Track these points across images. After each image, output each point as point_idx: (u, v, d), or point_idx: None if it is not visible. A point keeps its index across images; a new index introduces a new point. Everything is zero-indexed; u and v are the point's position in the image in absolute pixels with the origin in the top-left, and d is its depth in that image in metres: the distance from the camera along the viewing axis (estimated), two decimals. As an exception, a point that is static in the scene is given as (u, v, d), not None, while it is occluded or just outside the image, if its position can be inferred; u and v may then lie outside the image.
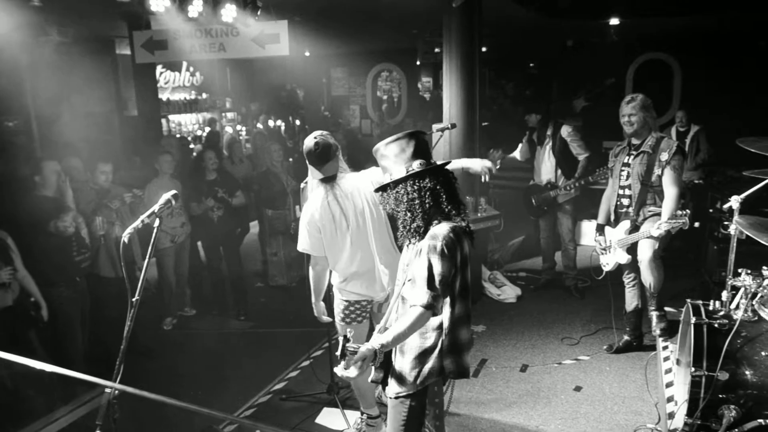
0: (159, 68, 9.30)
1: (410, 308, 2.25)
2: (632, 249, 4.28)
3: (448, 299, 2.34)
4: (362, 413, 3.63)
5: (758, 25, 7.73)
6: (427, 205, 2.31)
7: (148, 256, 2.54)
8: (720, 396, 2.93)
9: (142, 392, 2.02)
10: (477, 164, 3.27)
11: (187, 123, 10.34)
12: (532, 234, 6.86)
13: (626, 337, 4.60)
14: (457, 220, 2.35)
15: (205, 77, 10.75)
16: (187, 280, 5.76)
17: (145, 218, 2.51)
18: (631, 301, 4.55)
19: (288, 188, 6.09)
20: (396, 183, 2.36)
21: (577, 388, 4.12)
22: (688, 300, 3.38)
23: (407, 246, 2.45)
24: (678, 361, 3.65)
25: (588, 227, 6.97)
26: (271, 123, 10.98)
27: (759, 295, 3.04)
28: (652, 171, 4.12)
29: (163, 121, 9.36)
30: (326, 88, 12.50)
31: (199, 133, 10.30)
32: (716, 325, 3.06)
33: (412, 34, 9.24)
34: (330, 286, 3.45)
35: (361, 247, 3.22)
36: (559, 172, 5.68)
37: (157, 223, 2.55)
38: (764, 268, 3.08)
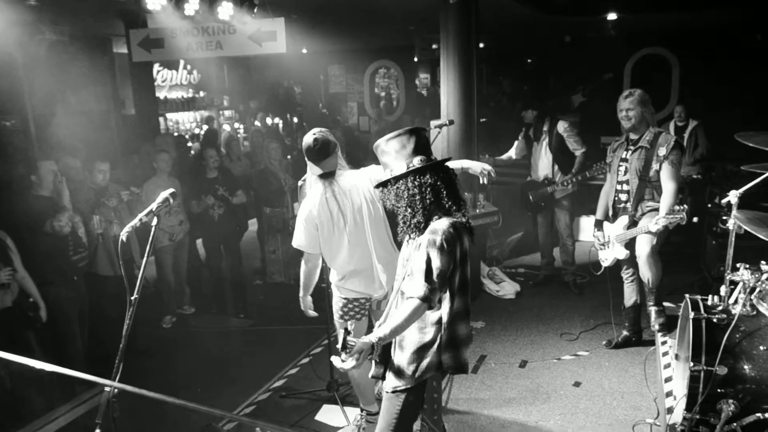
0: (156, 66, 9.28)
1: (407, 300, 2.26)
2: (631, 244, 4.28)
3: (447, 294, 2.35)
4: (362, 410, 3.63)
5: (756, 19, 7.72)
6: (428, 201, 2.33)
7: (146, 255, 2.53)
8: (718, 390, 2.94)
9: (142, 390, 2.02)
10: (477, 166, 3.27)
11: (185, 121, 10.33)
12: (531, 230, 6.86)
13: (625, 333, 4.61)
14: (457, 215, 2.36)
15: (203, 75, 10.73)
16: (186, 279, 5.76)
17: (143, 217, 2.51)
18: (629, 296, 4.55)
19: (286, 186, 6.09)
20: (397, 179, 2.37)
21: (576, 384, 4.12)
22: (687, 295, 3.39)
23: (407, 241, 2.46)
24: (677, 356, 3.66)
25: (586, 223, 6.97)
26: (268, 121, 10.97)
27: (757, 289, 3.04)
28: (650, 166, 4.12)
29: (161, 119, 9.34)
30: (324, 85, 12.49)
31: (196, 131, 10.28)
32: (715, 320, 3.06)
33: (410, 30, 9.23)
34: (328, 284, 3.46)
35: (359, 244, 3.22)
36: (556, 167, 5.67)
37: (155, 221, 2.55)
38: (762, 262, 3.08)
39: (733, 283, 3.24)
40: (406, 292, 2.30)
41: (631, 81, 9.00)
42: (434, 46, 9.98)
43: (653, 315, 4.43)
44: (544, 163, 5.75)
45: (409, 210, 2.34)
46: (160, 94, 9.57)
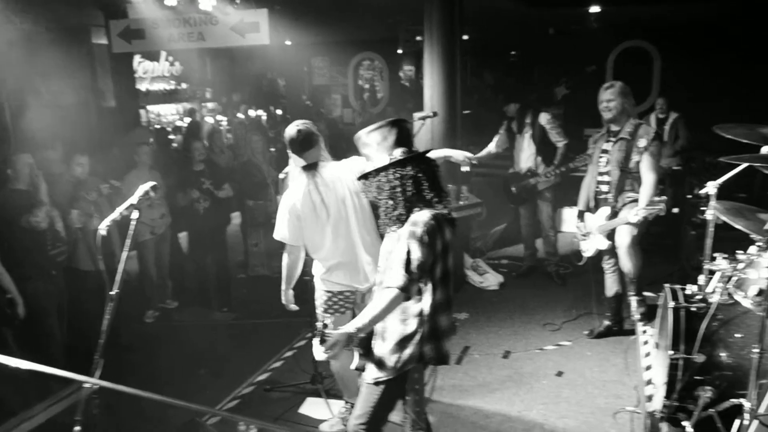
0: (137, 58, 9.14)
1: (385, 290, 2.26)
2: (612, 235, 4.32)
3: (429, 285, 2.36)
4: (346, 402, 3.64)
5: (737, 11, 7.80)
6: (409, 193, 2.33)
7: (126, 249, 2.51)
8: (696, 378, 2.99)
9: (120, 387, 2.00)
10: (459, 154, 3.31)
11: (167, 113, 10.20)
12: (514, 222, 6.90)
13: (606, 322, 4.66)
14: (438, 207, 2.36)
15: (185, 67, 10.59)
16: (169, 272, 5.71)
17: (123, 210, 2.48)
18: (611, 286, 4.60)
19: (269, 179, 6.05)
20: (378, 171, 2.37)
21: (559, 373, 4.17)
22: (667, 285, 3.44)
23: (389, 233, 2.46)
24: (657, 345, 3.72)
25: (569, 214, 7.02)
26: (252, 113, 10.88)
27: (734, 278, 3.09)
28: (630, 157, 4.16)
29: (142, 111, 9.22)
30: (308, 77, 12.40)
31: (179, 123, 10.16)
32: (693, 309, 3.11)
33: (394, 22, 9.19)
34: (311, 277, 3.45)
35: (343, 236, 3.22)
36: (539, 159, 5.71)
37: (135, 215, 2.52)
38: (738, 252, 3.14)
39: (711, 273, 3.30)
40: (384, 282, 2.30)
41: (614, 73, 9.07)
42: (418, 38, 9.94)
43: (634, 304, 4.49)
44: (526, 155, 5.77)
45: (391, 202, 2.34)
46: (142, 86, 9.43)
